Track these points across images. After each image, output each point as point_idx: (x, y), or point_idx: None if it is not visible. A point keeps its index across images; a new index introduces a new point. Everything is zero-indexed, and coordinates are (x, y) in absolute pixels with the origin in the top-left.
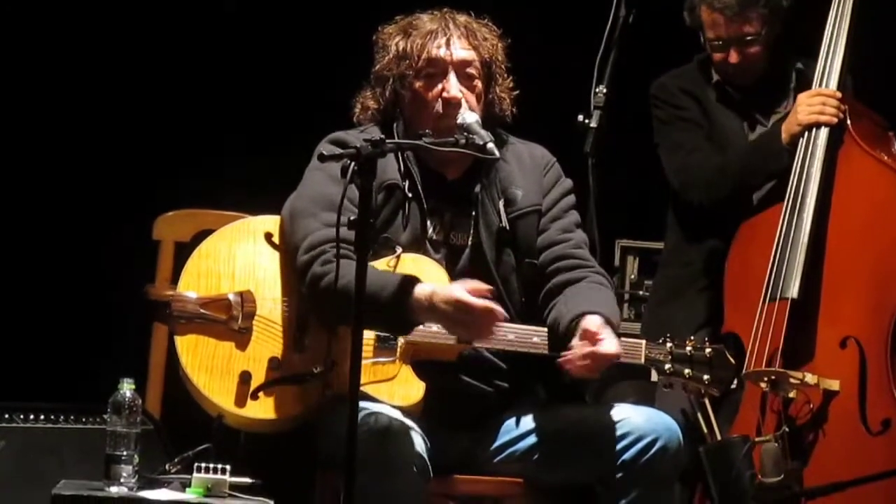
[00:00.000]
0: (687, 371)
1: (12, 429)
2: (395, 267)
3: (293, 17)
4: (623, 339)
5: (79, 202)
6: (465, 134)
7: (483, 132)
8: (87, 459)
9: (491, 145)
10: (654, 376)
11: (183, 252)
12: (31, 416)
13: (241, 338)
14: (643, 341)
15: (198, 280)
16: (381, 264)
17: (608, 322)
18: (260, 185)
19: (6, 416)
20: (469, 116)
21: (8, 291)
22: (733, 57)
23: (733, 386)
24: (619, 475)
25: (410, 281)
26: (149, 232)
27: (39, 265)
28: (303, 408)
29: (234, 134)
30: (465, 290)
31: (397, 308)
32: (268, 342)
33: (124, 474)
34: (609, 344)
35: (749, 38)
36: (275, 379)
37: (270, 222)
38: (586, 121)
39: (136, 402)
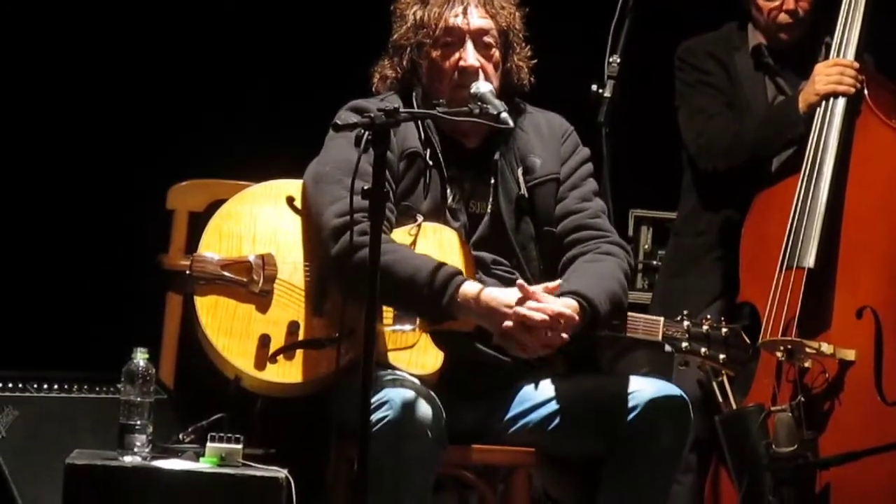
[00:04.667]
0: (703, 350)
1: (26, 398)
2: (416, 236)
3: None
4: (641, 315)
5: (93, 171)
6: (479, 103)
7: (497, 101)
8: (101, 429)
9: (504, 115)
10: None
11: (197, 222)
12: (45, 386)
13: (262, 301)
14: (661, 318)
15: (219, 241)
16: (402, 233)
17: (582, 297)
18: (275, 154)
19: (20, 385)
20: (483, 86)
21: (22, 261)
22: (789, 2)
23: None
24: (624, 445)
25: (458, 275)
26: (163, 201)
27: (53, 234)
28: (321, 373)
29: (248, 103)
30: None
31: (440, 304)
32: (288, 306)
33: (138, 444)
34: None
35: None
36: (294, 343)
37: (293, 186)
38: (600, 90)
39: (149, 372)
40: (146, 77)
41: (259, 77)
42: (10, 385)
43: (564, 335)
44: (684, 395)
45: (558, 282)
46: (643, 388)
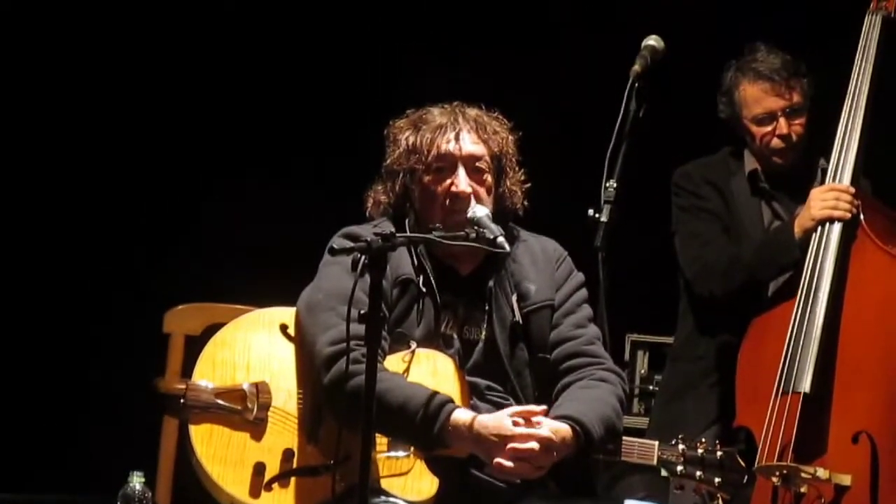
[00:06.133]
0: (698, 473)
1: None
2: (409, 363)
3: (307, 111)
4: (636, 439)
5: (89, 294)
6: (476, 228)
7: (493, 226)
8: None
9: (501, 239)
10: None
11: (193, 345)
12: None
13: (256, 428)
14: (656, 442)
15: (213, 369)
16: (395, 359)
17: (575, 422)
18: (270, 278)
19: None
20: (479, 210)
21: (18, 384)
22: (782, 127)
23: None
24: None
25: (449, 404)
26: (159, 325)
27: (49, 358)
28: (316, 500)
29: (244, 228)
30: (510, 419)
31: (432, 432)
32: (282, 433)
33: None
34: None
35: (796, 107)
36: (289, 470)
37: (286, 314)
38: (596, 215)
39: (146, 496)
40: (143, 199)
41: (255, 203)
42: None
43: (554, 455)
44: None
45: (543, 407)
46: None
